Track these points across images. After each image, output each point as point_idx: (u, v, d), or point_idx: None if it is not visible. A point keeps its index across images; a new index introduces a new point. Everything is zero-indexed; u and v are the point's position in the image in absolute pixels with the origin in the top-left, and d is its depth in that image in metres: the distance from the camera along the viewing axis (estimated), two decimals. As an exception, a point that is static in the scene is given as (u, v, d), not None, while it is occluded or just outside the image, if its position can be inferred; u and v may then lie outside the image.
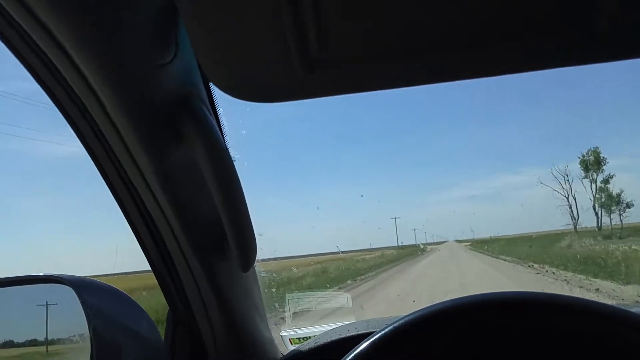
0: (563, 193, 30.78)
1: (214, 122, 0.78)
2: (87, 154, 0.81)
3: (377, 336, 0.69)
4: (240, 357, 0.99)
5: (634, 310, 0.69)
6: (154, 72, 0.69)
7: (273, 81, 0.54)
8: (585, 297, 0.70)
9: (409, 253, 29.55)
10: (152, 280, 0.96)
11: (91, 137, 0.77)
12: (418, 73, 0.55)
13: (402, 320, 0.70)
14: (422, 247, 35.53)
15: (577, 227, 30.19)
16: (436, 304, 0.72)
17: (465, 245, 40.22)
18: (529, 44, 0.50)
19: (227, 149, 0.77)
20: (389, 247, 33.28)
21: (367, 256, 24.55)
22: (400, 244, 35.18)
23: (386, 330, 0.70)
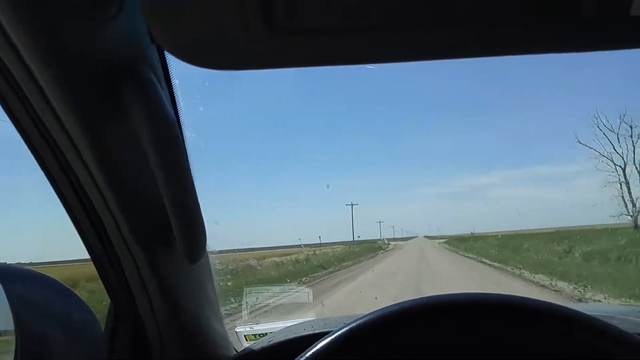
0: (612, 161, 17.16)
1: (163, 93, 0.69)
2: (13, 125, 0.70)
3: (333, 336, 0.68)
4: (188, 353, 0.91)
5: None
6: (92, 27, 0.59)
7: (230, 46, 0.47)
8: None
9: (354, 254, 20.18)
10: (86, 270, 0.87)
11: (16, 105, 0.66)
12: (393, 49, 0.49)
13: (360, 321, 0.68)
14: (380, 243, 28.15)
15: (636, 219, 16.16)
16: (394, 305, 0.71)
17: (440, 243, 30.83)
18: (517, 25, 0.46)
19: (176, 125, 0.69)
20: (343, 242, 26.31)
21: (285, 257, 16.55)
22: (357, 239, 27.57)
23: (343, 330, 0.68)
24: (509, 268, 12.74)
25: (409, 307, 0.69)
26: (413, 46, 0.49)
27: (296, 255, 17.08)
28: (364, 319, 0.68)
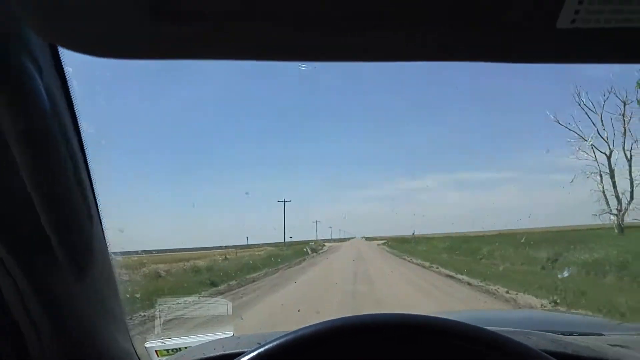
0: (594, 147, 13.40)
1: (43, 82, 0.60)
2: None
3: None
4: None
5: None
6: None
7: (109, 29, 0.41)
8: None
9: (270, 261, 14.69)
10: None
11: None
12: (295, 44, 0.44)
13: (272, 343, 0.66)
14: (314, 245, 24.43)
15: (621, 219, 12.42)
16: (309, 326, 0.69)
17: (380, 245, 26.80)
18: (442, 29, 0.43)
19: (64, 119, 0.62)
20: (274, 243, 23.36)
21: (184, 264, 12.38)
22: (290, 239, 23.73)
23: (252, 354, 0.65)
24: (499, 289, 8.08)
25: (322, 330, 0.68)
26: (328, 45, 0.44)
27: (194, 262, 12.72)
28: (276, 342, 0.66)
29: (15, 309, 0.73)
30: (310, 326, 0.68)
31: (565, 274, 8.47)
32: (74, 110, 0.69)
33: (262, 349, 0.65)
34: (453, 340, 0.67)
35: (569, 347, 0.84)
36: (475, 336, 0.67)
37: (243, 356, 0.65)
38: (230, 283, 10.32)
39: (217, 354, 0.91)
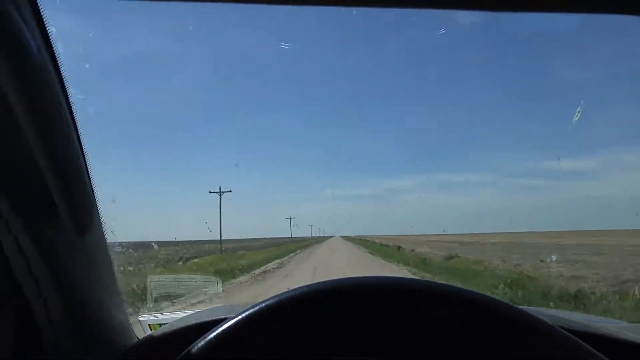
0: None
1: (29, 36, 0.61)
2: None
3: (227, 324, 0.65)
4: (84, 342, 0.85)
5: None
6: None
7: None
8: None
9: None
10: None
11: None
12: None
13: (256, 308, 0.66)
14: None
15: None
16: (291, 290, 0.68)
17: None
18: None
19: (53, 78, 0.64)
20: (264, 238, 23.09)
21: None
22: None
23: (238, 318, 0.65)
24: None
25: (306, 293, 0.67)
26: None
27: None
28: (261, 305, 0.66)
29: (20, 274, 0.72)
30: (298, 289, 0.68)
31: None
32: (61, 76, 0.69)
33: (253, 309, 0.65)
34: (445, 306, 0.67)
35: (563, 322, 0.81)
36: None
37: (229, 320, 0.66)
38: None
39: (209, 319, 0.92)
